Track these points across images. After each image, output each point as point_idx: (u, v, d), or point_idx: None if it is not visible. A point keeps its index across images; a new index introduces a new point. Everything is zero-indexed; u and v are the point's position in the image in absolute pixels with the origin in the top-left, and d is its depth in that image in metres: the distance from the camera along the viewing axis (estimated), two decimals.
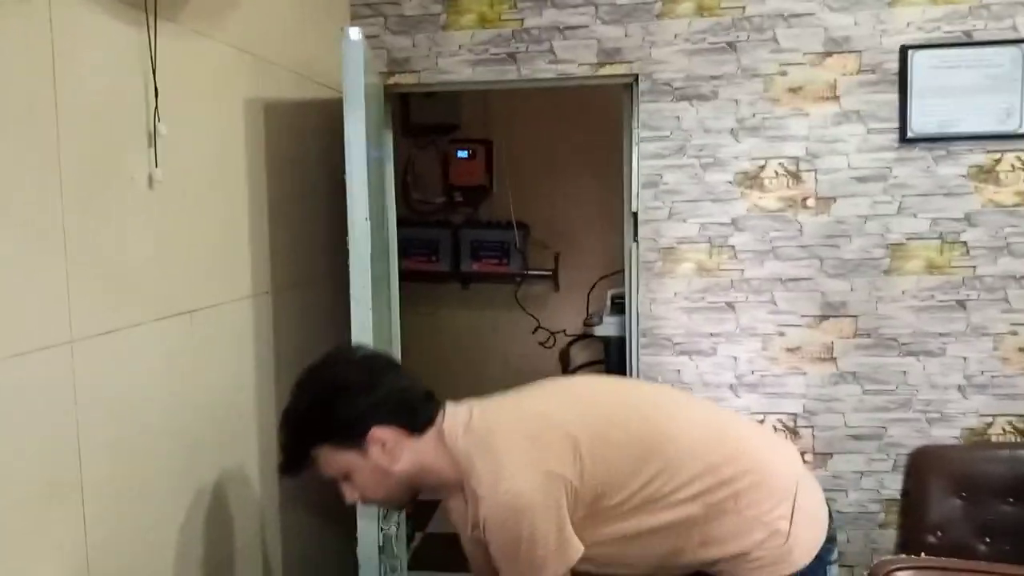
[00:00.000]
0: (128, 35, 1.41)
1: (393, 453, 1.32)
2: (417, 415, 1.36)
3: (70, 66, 1.26)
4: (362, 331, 2.03)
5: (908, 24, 2.30)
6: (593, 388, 1.56)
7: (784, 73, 2.36)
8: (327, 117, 2.14)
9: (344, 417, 1.31)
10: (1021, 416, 2.36)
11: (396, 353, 2.34)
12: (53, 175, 1.23)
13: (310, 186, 2.18)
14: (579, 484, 1.30)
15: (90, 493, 1.30)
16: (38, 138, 1.20)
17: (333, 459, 1.33)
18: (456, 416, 1.37)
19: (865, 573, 1.68)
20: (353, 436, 1.31)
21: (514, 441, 1.32)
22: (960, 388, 2.38)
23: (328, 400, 1.33)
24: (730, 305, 2.43)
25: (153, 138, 1.45)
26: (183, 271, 1.59)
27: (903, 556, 2.11)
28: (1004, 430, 2.38)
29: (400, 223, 2.63)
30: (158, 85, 1.45)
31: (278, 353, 1.99)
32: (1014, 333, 2.34)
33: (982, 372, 2.36)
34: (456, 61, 2.45)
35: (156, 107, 1.45)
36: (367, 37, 1.92)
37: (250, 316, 1.87)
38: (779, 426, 2.45)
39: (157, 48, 1.45)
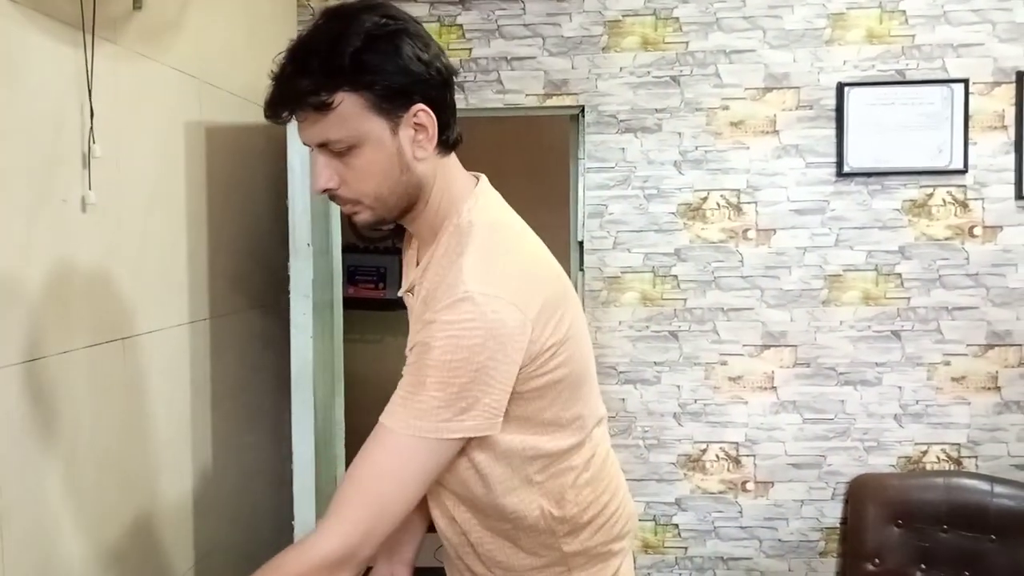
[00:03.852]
0: (64, 55, 1.39)
1: (424, 147, 1.06)
2: (454, 123, 1.10)
3: (1, 85, 1.22)
4: (302, 359, 2.00)
5: (844, 62, 2.38)
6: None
7: (726, 107, 2.41)
8: (272, 141, 2.12)
9: (401, 69, 1.02)
10: (955, 444, 2.42)
11: (339, 383, 2.31)
12: None
13: (253, 211, 2.15)
14: (539, 372, 1.06)
15: (10, 524, 1.25)
16: None
17: (353, 119, 1.01)
18: (491, 192, 1.15)
19: None
20: (398, 99, 1.03)
21: (526, 265, 1.09)
22: (896, 417, 2.43)
23: (390, 39, 1.02)
24: (673, 334, 2.45)
25: (88, 160, 1.42)
26: (116, 297, 1.55)
27: None
28: (939, 458, 2.43)
29: (346, 249, 2.62)
30: (94, 106, 1.42)
31: (215, 382, 1.95)
32: (947, 363, 2.40)
33: (917, 401, 2.42)
34: None
35: (92, 128, 1.42)
36: None
37: (186, 343, 1.83)
38: (722, 455, 2.47)
39: (94, 69, 1.42)
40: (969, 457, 2.41)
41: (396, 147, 1.04)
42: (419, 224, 1.14)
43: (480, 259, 1.03)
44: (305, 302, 1.98)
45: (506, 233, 1.11)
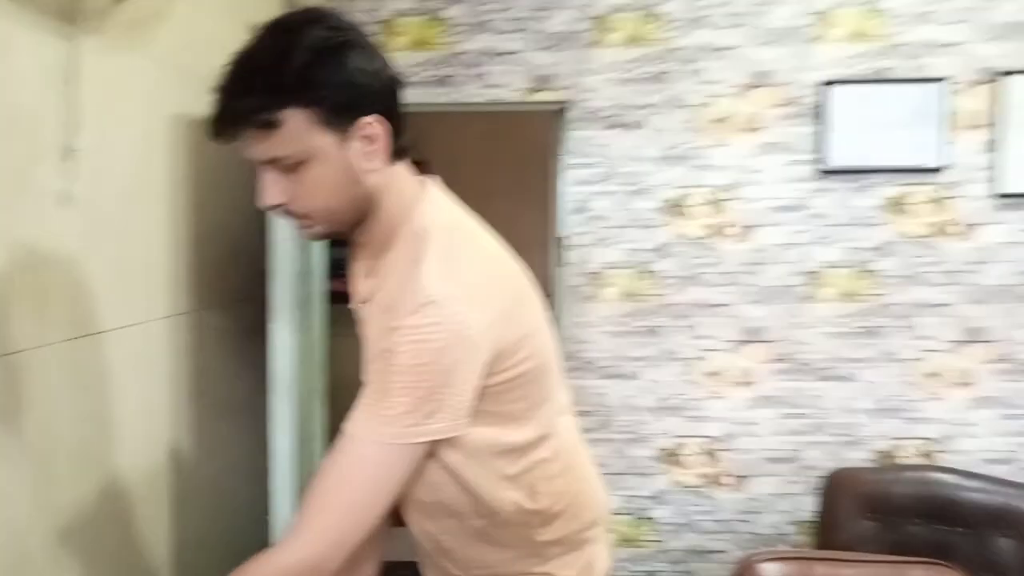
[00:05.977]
0: (47, 46, 1.37)
1: (374, 158, 1.05)
2: (404, 130, 1.08)
3: None
4: (283, 353, 1.99)
5: (828, 60, 2.40)
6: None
7: (709, 104, 2.42)
8: None
9: (348, 82, 1.00)
10: (928, 439, 2.46)
11: (323, 377, 2.31)
12: None
13: (236, 203, 2.13)
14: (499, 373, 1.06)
15: None
16: None
17: (300, 135, 1.00)
18: (442, 195, 1.14)
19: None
20: (347, 113, 1.01)
21: (485, 264, 1.10)
22: (870, 412, 2.46)
23: (336, 51, 1.00)
24: (653, 330, 2.47)
25: (69, 152, 1.40)
26: (96, 290, 1.53)
27: (766, 549, 2.18)
28: (912, 453, 2.47)
29: (334, 242, 2.61)
30: (77, 98, 1.40)
31: (196, 375, 1.94)
32: (921, 359, 2.44)
33: (891, 396, 2.46)
34: None
35: (74, 121, 1.40)
36: None
37: (167, 337, 1.82)
38: (699, 449, 2.49)
39: (78, 60, 1.40)
40: (941, 452, 2.46)
41: (346, 160, 1.03)
42: (372, 234, 1.13)
43: (439, 263, 1.03)
44: (285, 295, 1.98)
45: (461, 235, 1.12)
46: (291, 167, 1.02)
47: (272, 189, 1.04)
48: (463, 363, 1.02)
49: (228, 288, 2.11)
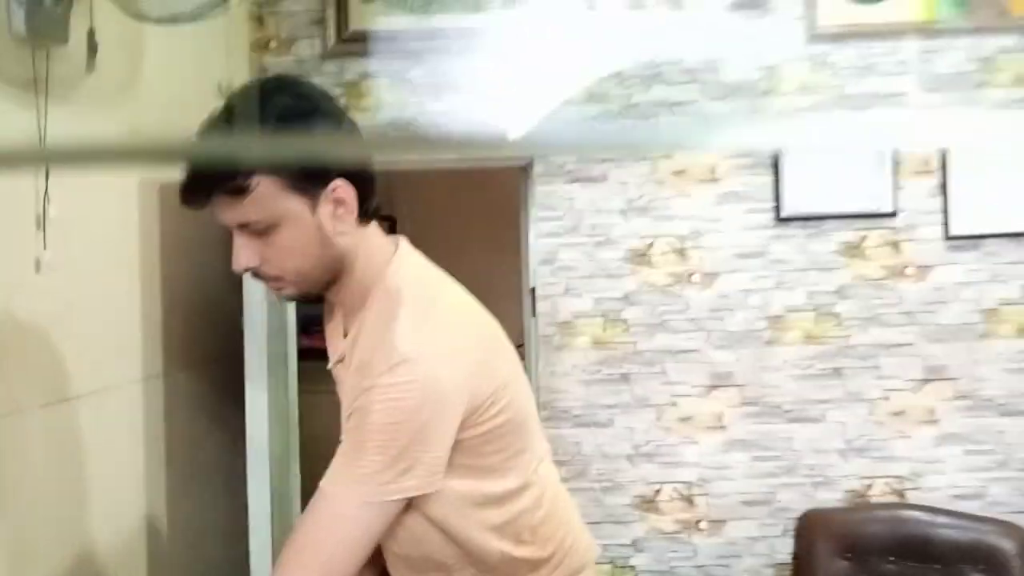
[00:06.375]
0: (17, 117, 1.40)
1: (343, 221, 1.08)
2: (372, 192, 1.12)
3: None
4: (259, 413, 2.00)
5: (779, 113, 2.49)
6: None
7: (668, 156, 2.50)
8: None
9: None
10: (898, 477, 2.50)
11: (294, 434, 2.31)
12: None
13: (207, 265, 2.16)
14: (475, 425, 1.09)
15: None
16: None
17: (272, 200, 1.03)
18: (413, 253, 1.18)
19: None
20: (315, 177, 1.05)
21: (457, 320, 1.13)
22: (841, 452, 2.50)
23: (302, 118, 1.04)
24: (624, 377, 2.51)
25: (43, 221, 1.43)
26: (70, 355, 1.55)
27: None
28: (883, 491, 2.51)
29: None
30: (48, 167, 1.44)
31: (169, 437, 1.94)
32: (886, 398, 2.49)
33: (860, 436, 2.50)
34: None
35: (46, 190, 1.43)
36: None
37: (140, 399, 1.83)
38: (675, 495, 2.51)
39: (47, 130, 1.44)
40: (912, 489, 2.50)
41: (316, 224, 1.06)
42: (344, 294, 1.16)
43: (411, 321, 1.07)
44: (260, 355, 1.99)
45: (432, 292, 1.15)
46: (262, 231, 1.06)
47: (244, 253, 1.07)
48: (437, 420, 1.04)
49: (201, 349, 2.13)
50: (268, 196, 1.03)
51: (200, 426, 2.08)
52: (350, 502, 1.05)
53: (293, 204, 1.05)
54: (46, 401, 1.47)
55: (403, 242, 1.20)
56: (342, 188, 1.07)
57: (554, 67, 2.46)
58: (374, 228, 1.17)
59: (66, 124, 1.52)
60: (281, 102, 1.05)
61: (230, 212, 1.05)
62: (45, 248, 1.44)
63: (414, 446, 1.03)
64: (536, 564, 1.20)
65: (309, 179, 1.05)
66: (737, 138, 0.40)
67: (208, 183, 1.04)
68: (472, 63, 2.45)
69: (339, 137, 1.02)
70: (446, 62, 2.47)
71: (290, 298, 1.17)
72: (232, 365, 2.09)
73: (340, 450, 1.08)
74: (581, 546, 1.28)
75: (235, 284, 2.01)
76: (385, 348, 1.05)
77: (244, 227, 1.07)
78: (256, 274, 1.11)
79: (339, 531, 1.05)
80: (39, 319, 1.45)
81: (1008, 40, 2.45)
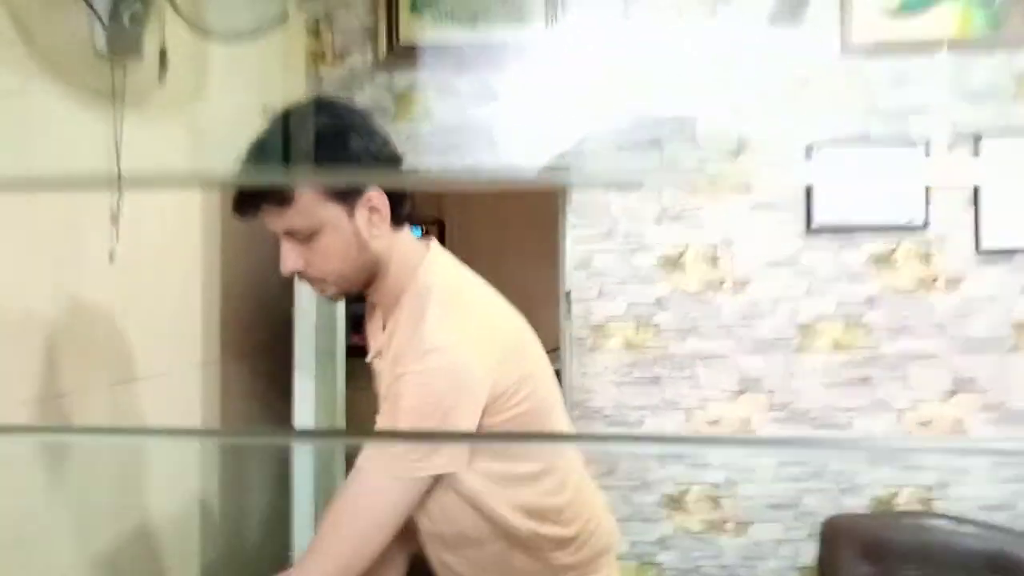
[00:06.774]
0: (96, 122, 1.56)
1: (379, 226, 1.21)
2: (404, 200, 1.24)
3: (43, 150, 1.39)
4: (305, 401, 2.14)
5: (812, 124, 2.56)
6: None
7: (701, 168, 2.58)
8: None
9: (356, 161, 1.17)
10: (925, 487, 2.54)
11: (340, 426, 2.44)
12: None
13: (264, 262, 2.31)
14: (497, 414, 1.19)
15: (27, 553, 1.38)
16: (13, 215, 1.33)
17: (314, 208, 1.16)
18: (443, 255, 1.28)
19: None
20: (351, 189, 1.18)
21: (483, 314, 1.24)
22: (867, 460, 2.55)
23: (339, 135, 1.17)
24: (655, 379, 2.59)
25: (116, 216, 1.58)
26: (133, 340, 1.70)
27: None
28: (908, 499, 2.55)
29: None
30: (122, 169, 1.59)
31: (223, 420, 2.09)
32: (914, 408, 2.53)
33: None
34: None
35: (120, 189, 1.58)
36: None
37: (198, 383, 1.97)
38: (702, 495, 2.59)
39: (123, 135, 1.59)
40: (937, 499, 2.53)
41: (353, 230, 1.19)
42: (381, 294, 1.28)
43: (441, 316, 1.18)
44: (309, 344, 2.13)
45: (460, 289, 1.27)
46: (306, 237, 1.19)
47: (290, 257, 1.21)
48: (463, 405, 1.15)
49: (255, 339, 2.27)
50: (310, 206, 1.16)
51: (252, 412, 2.23)
52: (383, 477, 1.16)
53: (332, 212, 1.18)
54: (114, 381, 1.62)
55: (434, 244, 1.30)
56: (376, 197, 1.20)
57: (594, 79, 2.56)
58: (407, 232, 1.29)
59: (139, 133, 1.67)
60: (319, 120, 1.18)
61: (277, 220, 1.19)
62: (117, 241, 1.59)
63: (442, 428, 1.13)
64: (561, 542, 1.30)
65: (346, 190, 1.18)
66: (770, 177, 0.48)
67: (256, 196, 1.18)
68: (516, 75, 2.57)
69: (369, 169, 1.16)
70: (492, 73, 2.59)
71: (333, 297, 1.29)
72: (283, 356, 2.23)
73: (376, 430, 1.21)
74: (604, 530, 1.38)
75: (288, 280, 2.15)
76: (416, 339, 1.16)
77: (290, 234, 1.20)
78: (301, 276, 1.25)
79: (372, 503, 1.17)
80: (110, 306, 1.60)
81: None
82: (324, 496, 2.27)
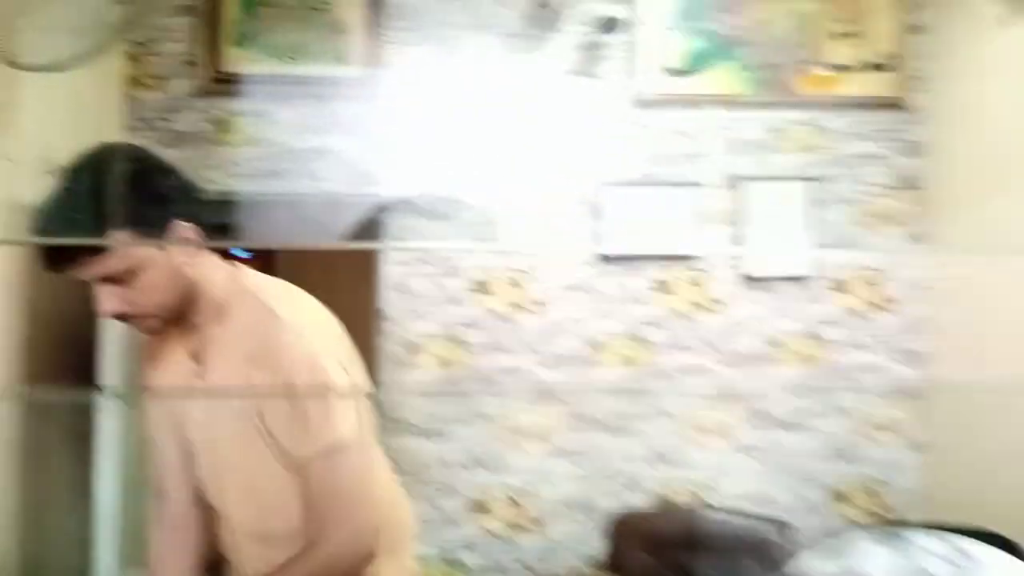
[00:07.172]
0: None
1: (191, 254, 1.27)
2: (208, 224, 1.30)
3: None
4: (110, 430, 2.15)
5: (605, 165, 2.85)
6: None
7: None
8: None
9: (155, 199, 1.21)
10: (694, 483, 2.88)
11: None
12: None
13: (72, 285, 2.30)
14: None
15: None
16: None
17: (130, 249, 1.21)
18: (246, 267, 1.38)
19: None
20: (160, 225, 1.23)
21: (312, 300, 1.37)
22: (648, 460, 2.87)
23: (140, 177, 1.21)
24: (462, 392, 2.81)
25: None
26: None
27: None
28: (682, 495, 2.88)
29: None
30: None
31: (23, 450, 2.08)
32: (693, 415, 2.88)
33: (664, 447, 2.87)
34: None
35: None
36: None
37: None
38: (503, 497, 2.82)
39: None
40: (706, 493, 2.88)
41: (170, 262, 1.25)
42: (203, 313, 1.33)
43: (278, 298, 1.31)
44: (115, 373, 2.15)
45: (286, 284, 1.38)
46: (123, 278, 1.22)
47: (110, 300, 1.23)
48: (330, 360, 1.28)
49: (57, 367, 2.25)
50: (122, 250, 1.20)
51: (55, 441, 2.20)
52: (358, 439, 1.28)
53: (147, 249, 1.22)
54: None
55: (237, 261, 1.38)
56: (182, 228, 1.25)
57: (409, 115, 2.75)
58: (214, 255, 1.34)
59: None
60: (118, 167, 1.22)
61: (93, 268, 1.20)
62: None
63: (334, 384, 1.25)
64: None
65: (155, 226, 1.23)
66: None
67: (68, 249, 1.18)
68: (334, 108, 2.71)
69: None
70: (311, 106, 2.72)
71: (154, 331, 1.34)
72: (90, 382, 2.22)
73: (300, 411, 1.25)
74: (404, 515, 1.54)
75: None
76: (268, 323, 1.27)
77: (107, 279, 1.22)
78: (122, 317, 1.29)
79: (368, 466, 1.32)
80: None
81: (793, 114, 2.90)
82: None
